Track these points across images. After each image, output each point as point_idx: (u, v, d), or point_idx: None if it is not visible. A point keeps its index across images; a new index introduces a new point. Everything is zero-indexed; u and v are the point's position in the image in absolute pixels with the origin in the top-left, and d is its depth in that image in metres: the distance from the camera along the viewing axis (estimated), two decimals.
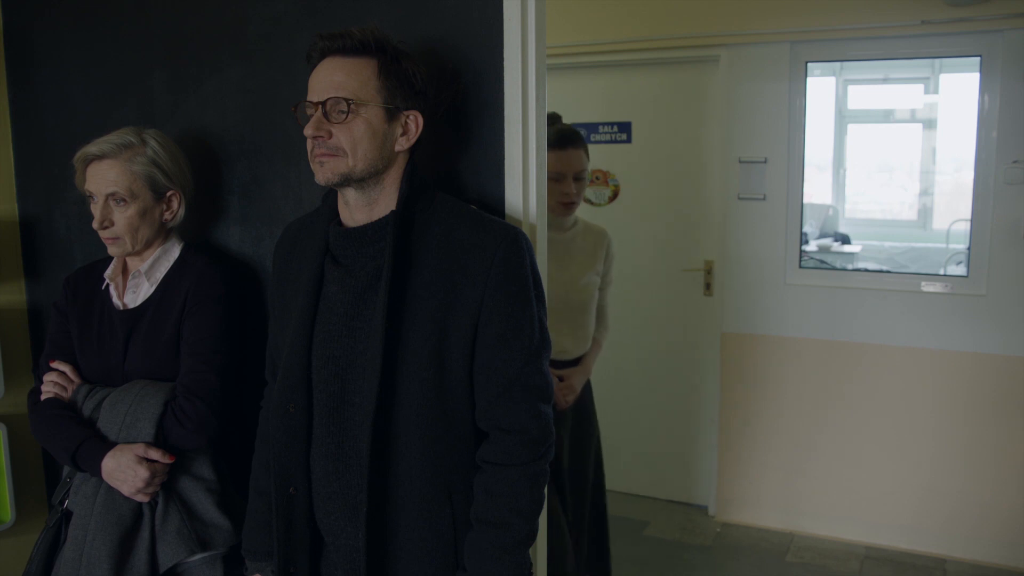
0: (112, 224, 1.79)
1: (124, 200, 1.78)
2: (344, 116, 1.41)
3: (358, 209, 1.49)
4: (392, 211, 1.46)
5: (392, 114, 1.45)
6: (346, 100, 1.40)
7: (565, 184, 2.53)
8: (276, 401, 1.55)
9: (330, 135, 1.41)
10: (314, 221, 1.59)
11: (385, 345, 1.40)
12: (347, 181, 1.44)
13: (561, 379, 2.59)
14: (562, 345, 2.59)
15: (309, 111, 1.44)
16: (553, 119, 2.60)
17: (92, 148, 1.79)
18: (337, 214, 1.54)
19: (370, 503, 1.43)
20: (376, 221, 1.48)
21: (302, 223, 1.65)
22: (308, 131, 1.42)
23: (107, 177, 1.78)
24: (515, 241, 1.45)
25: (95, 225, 1.79)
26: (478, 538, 1.45)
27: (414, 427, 1.43)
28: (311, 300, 1.50)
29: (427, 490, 1.46)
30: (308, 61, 1.48)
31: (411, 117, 1.48)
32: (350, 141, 1.41)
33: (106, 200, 1.78)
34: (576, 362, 2.69)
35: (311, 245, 1.54)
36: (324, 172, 1.43)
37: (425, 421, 1.43)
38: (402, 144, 1.48)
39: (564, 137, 2.53)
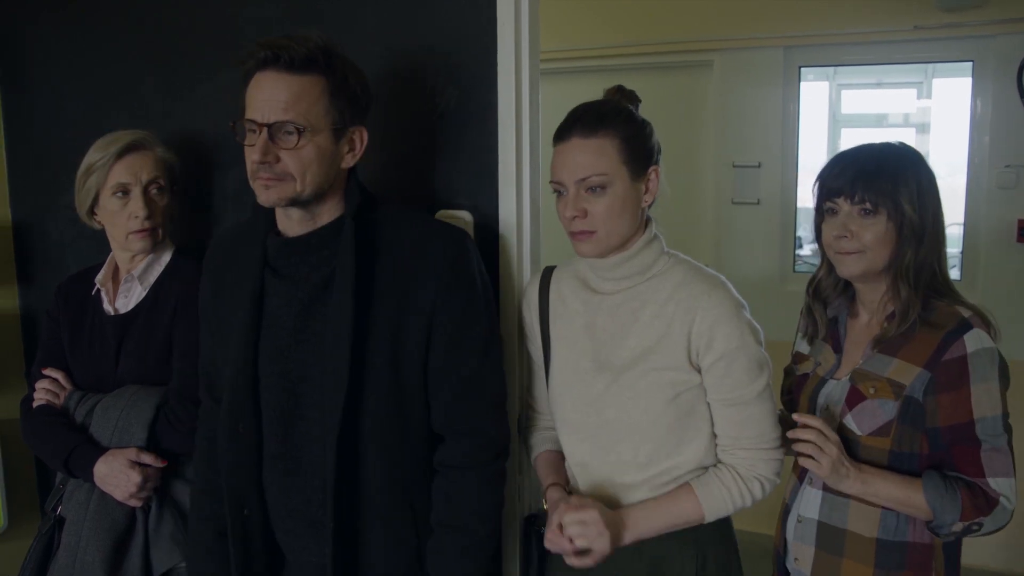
0: (151, 215, 1.80)
1: (161, 187, 1.81)
2: (294, 141, 1.33)
3: (300, 222, 1.44)
4: (338, 217, 1.43)
5: (340, 134, 1.40)
6: (296, 126, 1.32)
7: (563, 200, 1.44)
8: (224, 422, 1.49)
9: (277, 160, 1.33)
10: (248, 232, 1.51)
11: (351, 354, 1.36)
12: (294, 204, 1.39)
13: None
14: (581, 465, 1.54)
15: (251, 129, 1.34)
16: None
17: (126, 138, 1.79)
18: (274, 224, 1.48)
19: (336, 516, 1.40)
20: (319, 229, 1.43)
21: (235, 234, 1.58)
22: (255, 156, 1.33)
23: (144, 165, 1.79)
24: (461, 243, 1.45)
25: (139, 213, 1.77)
26: (440, 543, 1.45)
27: (376, 435, 1.41)
28: (253, 315, 1.44)
29: (389, 498, 1.44)
30: (242, 67, 1.37)
31: (357, 133, 1.43)
32: (299, 167, 1.34)
33: (146, 188, 1.79)
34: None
35: (247, 256, 1.47)
36: (269, 195, 1.36)
37: (385, 428, 1.42)
38: (348, 161, 1.43)
39: (563, 124, 1.47)
